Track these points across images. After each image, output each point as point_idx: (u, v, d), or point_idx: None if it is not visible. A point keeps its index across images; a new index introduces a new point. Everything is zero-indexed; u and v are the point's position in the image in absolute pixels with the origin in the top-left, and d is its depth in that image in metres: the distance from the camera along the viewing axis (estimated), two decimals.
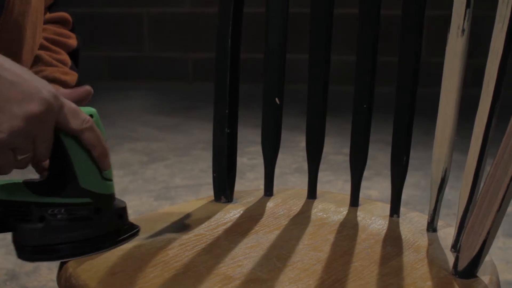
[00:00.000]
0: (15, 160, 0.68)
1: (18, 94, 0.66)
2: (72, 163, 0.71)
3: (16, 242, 0.73)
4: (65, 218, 0.71)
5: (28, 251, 0.72)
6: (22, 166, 0.70)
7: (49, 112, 0.67)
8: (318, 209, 0.89)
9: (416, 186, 2.26)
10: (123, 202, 0.77)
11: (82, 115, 0.71)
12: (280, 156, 0.94)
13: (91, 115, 0.72)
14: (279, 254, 0.75)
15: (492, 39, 0.71)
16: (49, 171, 0.73)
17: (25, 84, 0.67)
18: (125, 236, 0.76)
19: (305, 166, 0.93)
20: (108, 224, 0.74)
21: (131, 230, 0.77)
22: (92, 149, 0.71)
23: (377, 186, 2.27)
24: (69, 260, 0.72)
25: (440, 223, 0.83)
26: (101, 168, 0.73)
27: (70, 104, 0.70)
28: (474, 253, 0.68)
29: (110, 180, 0.74)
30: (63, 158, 0.71)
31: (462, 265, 0.70)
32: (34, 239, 0.71)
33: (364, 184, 1.94)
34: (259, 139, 0.93)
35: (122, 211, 0.76)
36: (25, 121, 0.66)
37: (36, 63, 0.91)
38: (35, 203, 0.71)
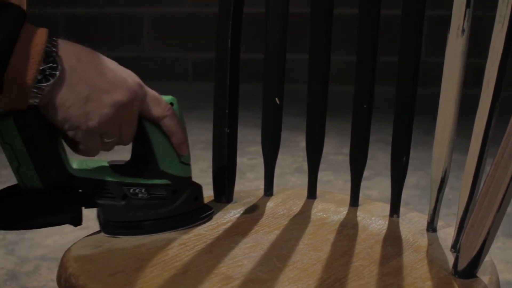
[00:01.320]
0: (102, 144, 0.74)
1: (106, 84, 0.71)
2: (153, 147, 0.77)
3: (100, 218, 0.78)
4: (145, 197, 0.77)
5: (111, 225, 0.78)
6: (108, 149, 0.76)
7: (135, 100, 0.73)
8: (318, 209, 0.89)
9: (416, 186, 2.27)
10: (199, 185, 0.82)
11: (164, 103, 0.76)
12: (280, 156, 0.94)
13: (171, 103, 0.78)
14: (279, 254, 0.75)
15: (492, 39, 0.71)
16: (133, 154, 0.79)
17: (112, 74, 0.72)
18: (200, 216, 0.82)
19: (305, 166, 0.93)
20: (184, 204, 0.80)
21: (206, 211, 0.83)
22: (171, 135, 0.77)
23: (377, 186, 2.27)
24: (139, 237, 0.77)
25: (440, 223, 0.83)
26: (179, 153, 0.78)
27: (153, 93, 0.76)
28: (474, 253, 0.68)
29: (188, 164, 0.80)
30: (145, 143, 0.77)
31: (462, 265, 0.70)
32: (117, 215, 0.77)
33: (364, 184, 1.94)
34: (259, 139, 0.93)
35: (197, 193, 0.82)
36: (114, 109, 0.71)
37: None
38: (118, 183, 0.76)
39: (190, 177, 0.81)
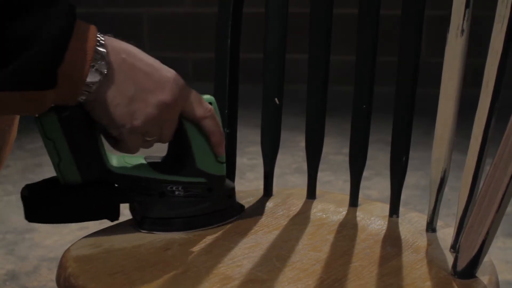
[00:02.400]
0: (143, 142, 0.75)
1: (152, 84, 0.71)
2: (191, 146, 0.78)
3: (136, 214, 0.80)
4: (182, 194, 0.79)
5: (148, 222, 0.79)
6: (148, 146, 0.76)
7: (178, 100, 0.73)
8: (318, 209, 0.89)
9: (416, 186, 2.27)
10: (232, 183, 0.84)
11: (205, 104, 0.77)
12: (280, 156, 0.94)
13: (210, 103, 0.78)
14: (278, 254, 0.75)
15: (492, 39, 0.71)
16: (169, 152, 0.80)
17: (157, 74, 0.72)
18: (233, 213, 0.83)
19: (304, 166, 0.93)
20: (219, 202, 0.81)
21: (239, 209, 0.85)
22: (210, 136, 0.78)
23: (377, 186, 2.27)
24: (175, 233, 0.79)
25: (439, 224, 0.83)
26: (216, 153, 0.79)
27: (195, 93, 0.77)
28: (473, 253, 0.68)
29: (223, 163, 0.80)
30: (183, 141, 0.78)
31: (461, 265, 0.70)
32: (154, 212, 0.78)
33: (364, 184, 1.94)
34: (259, 139, 0.93)
35: (231, 192, 0.83)
36: (158, 109, 0.72)
37: None
38: (156, 180, 0.77)
39: (224, 176, 0.82)
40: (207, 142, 0.78)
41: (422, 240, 0.80)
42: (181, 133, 0.77)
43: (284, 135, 0.95)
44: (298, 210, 0.88)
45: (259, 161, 1.02)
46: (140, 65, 0.71)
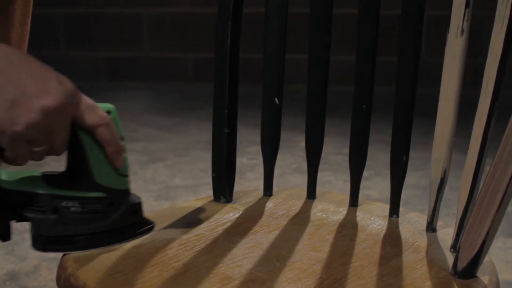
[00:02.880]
0: (30, 152, 0.70)
1: (37, 88, 0.67)
2: (88, 158, 0.73)
3: (31, 232, 0.74)
4: (79, 211, 0.73)
5: (41, 241, 0.74)
6: (37, 158, 0.72)
7: (66, 107, 0.69)
8: (318, 209, 0.89)
9: (416, 186, 2.26)
10: (139, 197, 0.78)
11: (99, 112, 0.72)
12: (279, 156, 0.94)
13: (108, 112, 0.73)
14: (278, 254, 0.75)
15: (492, 39, 0.71)
16: (68, 165, 0.75)
17: (43, 78, 0.68)
18: (139, 231, 0.78)
19: (304, 166, 0.93)
20: (122, 218, 0.76)
21: (145, 225, 0.79)
22: (106, 146, 0.73)
23: (377, 186, 2.27)
24: (73, 253, 0.74)
25: (439, 223, 0.83)
26: (113, 165, 0.74)
27: (88, 100, 0.72)
28: (473, 253, 0.68)
29: (126, 176, 0.76)
30: (79, 153, 0.72)
31: (461, 265, 0.70)
32: (47, 230, 0.73)
33: (364, 184, 1.94)
34: (259, 139, 0.93)
35: (136, 206, 0.77)
36: (42, 114, 0.67)
37: None
38: (49, 195, 0.72)
39: (128, 190, 0.76)
40: (105, 154, 0.73)
41: (422, 240, 0.80)
42: (76, 144, 0.72)
43: (284, 135, 0.95)
44: (298, 210, 0.88)
45: (259, 161, 1.02)
46: (26, 69, 0.67)
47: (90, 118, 0.71)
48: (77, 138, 0.72)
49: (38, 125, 0.67)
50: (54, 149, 0.71)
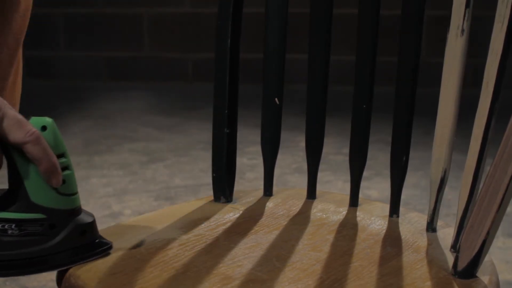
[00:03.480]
0: None
1: None
2: (21, 177, 0.68)
3: None
4: (16, 233, 0.69)
5: None
6: None
7: None
8: (318, 209, 0.89)
9: (416, 186, 2.26)
10: (90, 216, 0.73)
11: (27, 127, 0.67)
12: (280, 156, 0.94)
13: (44, 126, 0.68)
14: (278, 254, 0.75)
15: (492, 39, 0.71)
16: (9, 186, 0.70)
17: None
18: (88, 253, 0.72)
19: (304, 166, 0.93)
20: (67, 240, 0.71)
21: (98, 247, 0.73)
22: (37, 164, 0.68)
23: (377, 186, 2.27)
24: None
25: (439, 223, 0.83)
26: (49, 184, 0.69)
27: (14, 115, 0.67)
28: (473, 253, 0.68)
29: (71, 194, 0.71)
30: (13, 173, 0.68)
31: (461, 265, 0.70)
32: None
33: (364, 184, 1.94)
34: (259, 139, 0.93)
35: (85, 227, 0.72)
36: None
37: None
38: None
39: (74, 209, 0.71)
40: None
41: (422, 240, 0.80)
42: (9, 162, 0.68)
43: (284, 135, 0.95)
44: (298, 210, 0.88)
45: (259, 161, 1.02)
46: None
47: (15, 135, 0.66)
48: (10, 157, 0.68)
49: None
50: None
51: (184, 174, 2.40)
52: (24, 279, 1.66)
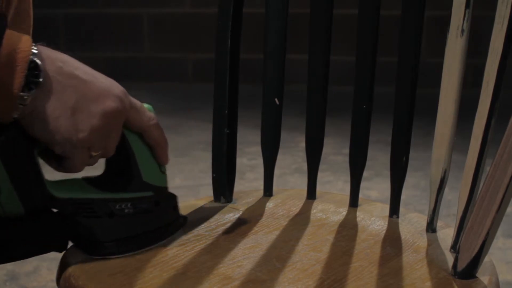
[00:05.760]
0: (89, 158, 0.69)
1: (93, 92, 0.67)
2: (136, 158, 0.73)
3: (82, 239, 0.73)
4: (132, 212, 0.73)
5: (100, 246, 0.72)
6: (93, 163, 0.71)
7: (122, 109, 0.69)
8: (318, 209, 0.88)
9: (416, 187, 2.27)
10: (174, 193, 0.79)
11: (147, 112, 0.72)
12: (280, 157, 0.94)
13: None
14: (278, 255, 0.75)
15: (492, 39, 0.71)
16: (109, 168, 0.75)
17: (97, 82, 0.67)
18: (179, 225, 0.80)
19: (304, 166, 0.93)
20: (166, 215, 0.77)
21: (182, 220, 0.81)
22: (156, 145, 0.73)
23: (377, 187, 2.27)
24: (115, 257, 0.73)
25: (439, 224, 0.83)
26: (162, 163, 0.75)
27: (136, 101, 0.72)
28: (473, 254, 0.68)
29: (165, 173, 0.77)
30: (127, 154, 0.73)
31: (461, 265, 0.70)
32: (105, 234, 0.72)
33: (364, 184, 1.94)
34: (259, 139, 0.93)
35: (176, 203, 0.79)
36: (103, 119, 0.67)
37: None
38: (103, 199, 0.72)
39: (167, 187, 0.77)
40: (151, 153, 0.74)
41: (422, 241, 0.80)
42: (123, 145, 0.72)
43: (284, 135, 0.95)
44: (298, 210, 0.88)
45: (259, 161, 1.02)
46: (79, 74, 0.66)
47: (141, 120, 0.71)
48: (125, 139, 0.72)
49: (100, 129, 0.67)
50: (107, 152, 0.70)
51: (184, 175, 2.40)
52: (24, 280, 1.66)
